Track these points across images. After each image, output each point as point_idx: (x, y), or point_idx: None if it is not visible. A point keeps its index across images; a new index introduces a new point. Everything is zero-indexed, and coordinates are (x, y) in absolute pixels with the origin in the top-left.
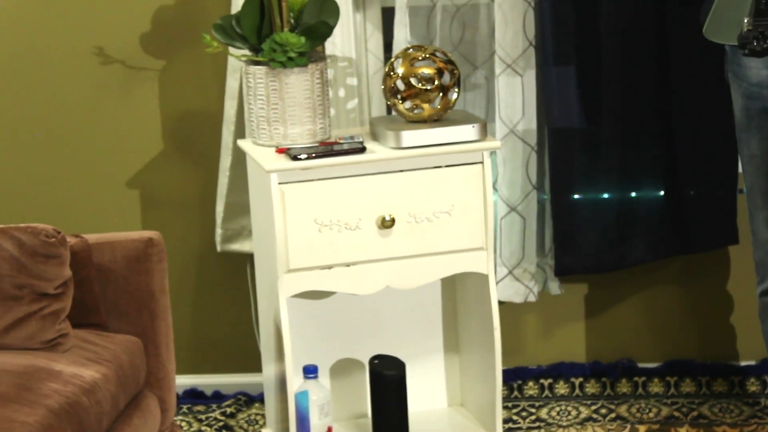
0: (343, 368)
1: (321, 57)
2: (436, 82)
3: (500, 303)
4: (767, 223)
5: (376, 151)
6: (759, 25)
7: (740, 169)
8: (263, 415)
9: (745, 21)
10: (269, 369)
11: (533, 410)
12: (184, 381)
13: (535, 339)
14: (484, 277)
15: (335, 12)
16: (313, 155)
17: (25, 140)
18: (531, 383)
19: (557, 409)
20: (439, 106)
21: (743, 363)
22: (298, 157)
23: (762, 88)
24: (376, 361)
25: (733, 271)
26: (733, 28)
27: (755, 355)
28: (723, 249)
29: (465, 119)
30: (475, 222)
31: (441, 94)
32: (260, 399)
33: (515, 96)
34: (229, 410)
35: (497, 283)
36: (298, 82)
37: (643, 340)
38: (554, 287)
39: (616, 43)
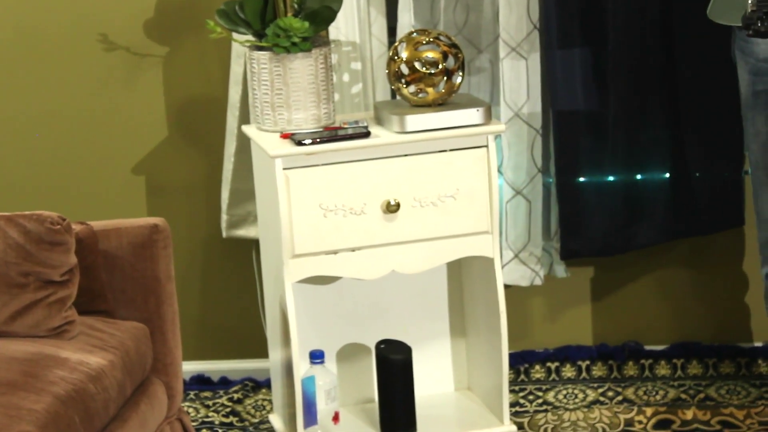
0: (349, 353)
1: (325, 42)
2: (441, 66)
3: (506, 287)
4: None
5: (380, 135)
6: (763, 5)
7: (746, 150)
8: (270, 401)
9: (749, 2)
10: (276, 354)
11: (540, 393)
12: (190, 367)
13: (541, 322)
14: (489, 261)
15: None
16: (318, 140)
17: (29, 128)
18: (538, 366)
19: (564, 392)
20: (443, 90)
21: (750, 345)
22: (303, 142)
23: None
24: (382, 346)
25: (738, 253)
26: (738, 9)
27: (762, 337)
28: (729, 231)
29: (469, 103)
30: (480, 206)
31: (445, 78)
32: (267, 384)
33: (520, 79)
34: (236, 396)
35: (503, 266)
36: (302, 67)
37: (649, 323)
38: (560, 270)
39: (621, 25)
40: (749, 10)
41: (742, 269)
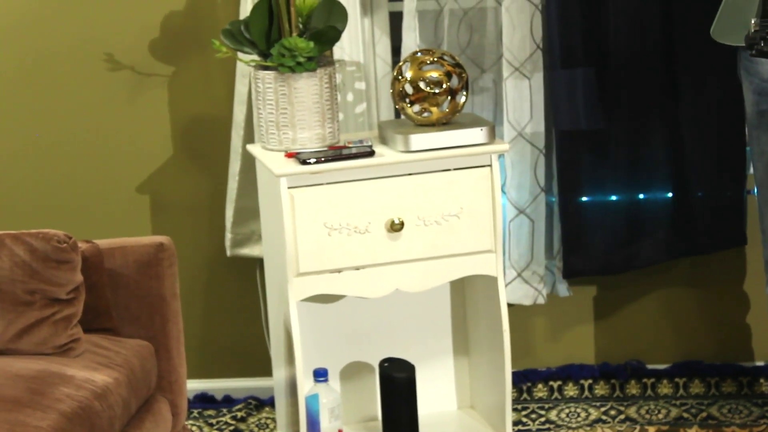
0: (353, 371)
1: (329, 61)
2: (445, 86)
3: (509, 305)
4: None
5: (384, 154)
6: (766, 25)
7: (749, 170)
8: (274, 419)
9: (752, 22)
10: (279, 373)
11: (543, 412)
12: (194, 385)
13: (544, 341)
14: (493, 280)
15: (343, 16)
16: (323, 159)
17: (36, 147)
18: (540, 385)
19: (567, 410)
20: (447, 110)
21: (752, 364)
22: (308, 161)
23: None
24: (385, 364)
25: (741, 271)
26: (741, 29)
27: (765, 356)
28: (731, 250)
29: (473, 122)
30: (483, 225)
31: (449, 97)
32: (271, 403)
33: (523, 99)
34: (239, 414)
35: (506, 285)
36: (307, 86)
37: (651, 342)
38: (563, 289)
39: (623, 45)
40: (752, 30)
41: (742, 288)
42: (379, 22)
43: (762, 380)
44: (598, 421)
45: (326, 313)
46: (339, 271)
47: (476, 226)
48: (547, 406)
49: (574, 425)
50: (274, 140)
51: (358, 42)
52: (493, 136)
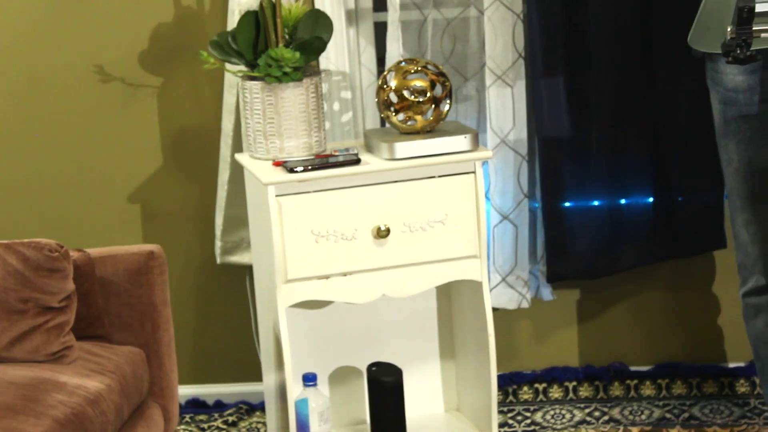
0: (341, 376)
1: (315, 71)
2: (429, 94)
3: (494, 309)
4: (747, 225)
5: (370, 162)
6: (742, 33)
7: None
8: (264, 423)
9: (729, 29)
10: (269, 378)
11: (528, 414)
12: (186, 391)
13: (528, 344)
14: (478, 285)
15: (329, 27)
16: (310, 168)
17: (28, 157)
18: (525, 388)
19: (552, 412)
20: (431, 118)
21: (732, 365)
22: (295, 169)
23: (738, 93)
24: (373, 368)
25: (720, 274)
26: (717, 37)
27: (744, 357)
28: (711, 253)
29: (457, 130)
30: (468, 230)
31: (433, 105)
32: (261, 407)
33: (506, 107)
34: (230, 419)
35: (491, 290)
36: (294, 96)
37: (634, 344)
38: (547, 293)
39: (604, 54)
40: (728, 38)
41: (721, 291)
42: (364, 32)
43: (742, 381)
44: (582, 422)
45: (315, 318)
46: (327, 277)
47: (461, 231)
48: (532, 408)
49: (559, 427)
50: (261, 149)
51: (344, 52)
52: (476, 143)
